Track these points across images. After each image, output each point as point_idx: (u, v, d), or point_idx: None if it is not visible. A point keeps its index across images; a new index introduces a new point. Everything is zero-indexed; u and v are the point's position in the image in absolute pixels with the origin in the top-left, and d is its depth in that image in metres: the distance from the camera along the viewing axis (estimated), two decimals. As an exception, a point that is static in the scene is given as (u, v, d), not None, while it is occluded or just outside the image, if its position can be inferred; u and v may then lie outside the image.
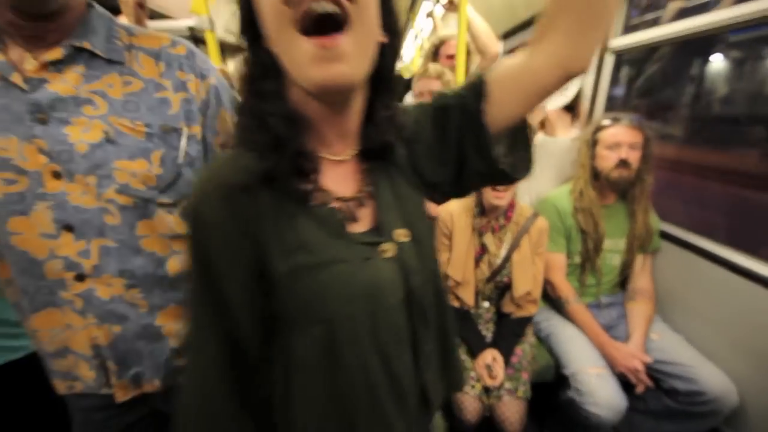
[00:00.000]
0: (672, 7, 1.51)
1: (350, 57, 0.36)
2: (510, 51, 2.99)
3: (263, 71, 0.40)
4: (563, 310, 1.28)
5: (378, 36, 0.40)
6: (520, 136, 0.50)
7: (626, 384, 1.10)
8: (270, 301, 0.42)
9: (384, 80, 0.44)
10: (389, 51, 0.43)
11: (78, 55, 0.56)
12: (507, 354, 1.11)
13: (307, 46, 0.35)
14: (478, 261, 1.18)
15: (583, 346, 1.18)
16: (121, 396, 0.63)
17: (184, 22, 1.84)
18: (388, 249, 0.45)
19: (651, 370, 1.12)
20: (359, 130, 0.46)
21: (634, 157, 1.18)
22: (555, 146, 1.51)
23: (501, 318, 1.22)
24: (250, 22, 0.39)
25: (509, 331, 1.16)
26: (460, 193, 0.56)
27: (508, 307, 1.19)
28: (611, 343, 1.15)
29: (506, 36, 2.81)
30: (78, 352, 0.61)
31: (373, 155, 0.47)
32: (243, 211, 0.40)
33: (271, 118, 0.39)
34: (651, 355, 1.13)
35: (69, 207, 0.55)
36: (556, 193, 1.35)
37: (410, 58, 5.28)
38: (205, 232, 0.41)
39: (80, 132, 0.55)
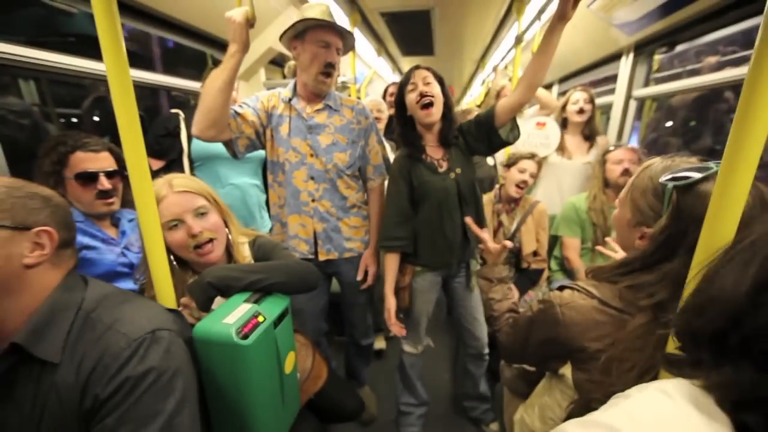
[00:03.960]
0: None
1: (435, 113, 1.16)
2: (564, 92, 3.52)
3: (405, 121, 1.24)
4: (575, 279, 1.76)
5: (442, 103, 1.21)
6: (512, 126, 1.23)
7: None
8: (414, 194, 1.22)
9: (448, 116, 1.24)
10: (448, 107, 1.23)
11: (326, 107, 1.35)
12: (522, 291, 1.65)
13: (421, 113, 1.18)
14: (496, 233, 1.77)
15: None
16: (322, 257, 1.38)
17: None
18: (452, 176, 1.20)
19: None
20: (440, 134, 1.24)
21: (633, 168, 1.67)
22: (570, 166, 2.04)
23: (519, 273, 1.77)
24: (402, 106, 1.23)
25: (525, 277, 1.71)
26: (489, 153, 1.39)
27: (522, 265, 1.74)
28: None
29: (561, 81, 3.36)
30: (302, 237, 1.37)
31: (445, 143, 1.25)
32: (406, 165, 1.21)
33: (410, 134, 1.20)
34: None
35: (314, 168, 1.32)
36: (575, 198, 1.86)
37: (477, 95, 5.99)
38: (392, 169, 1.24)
39: (323, 138, 1.32)
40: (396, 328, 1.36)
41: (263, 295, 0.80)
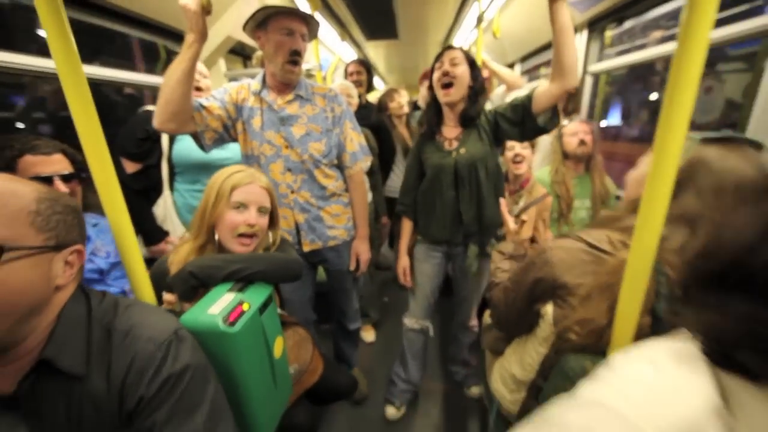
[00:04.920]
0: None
1: (453, 93, 1.28)
2: (527, 71, 3.62)
3: (433, 99, 1.36)
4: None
5: (467, 83, 1.30)
6: (552, 114, 1.23)
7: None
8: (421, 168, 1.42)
9: (472, 98, 1.32)
10: (474, 90, 1.33)
11: (297, 97, 1.33)
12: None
13: (440, 91, 1.33)
14: None
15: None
16: (306, 247, 1.39)
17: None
18: (453, 155, 1.29)
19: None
20: (461, 115, 1.31)
21: (588, 139, 1.77)
22: (545, 140, 2.13)
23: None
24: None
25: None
26: (522, 139, 1.36)
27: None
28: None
29: (523, 59, 3.45)
30: (284, 228, 1.37)
31: (465, 124, 1.33)
32: (421, 141, 1.45)
33: (430, 113, 1.33)
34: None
35: (290, 160, 1.32)
36: (539, 172, 1.96)
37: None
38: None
39: (296, 130, 1.31)
40: (402, 279, 1.57)
41: (246, 284, 0.81)
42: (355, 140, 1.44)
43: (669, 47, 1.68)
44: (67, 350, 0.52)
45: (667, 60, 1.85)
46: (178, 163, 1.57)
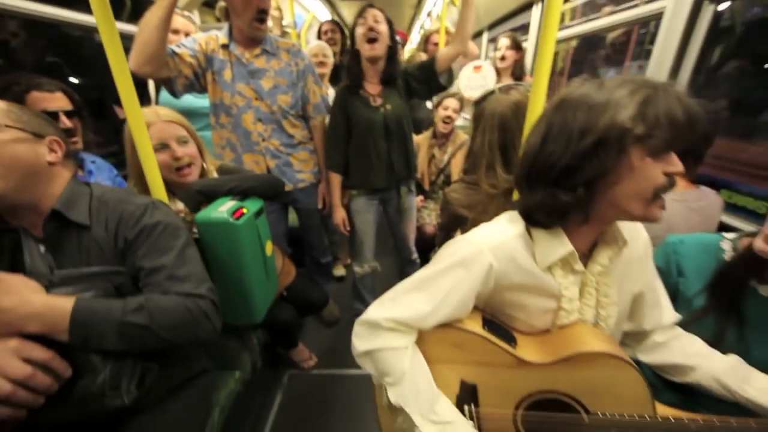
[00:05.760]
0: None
1: (378, 48, 1.37)
2: (493, 39, 3.82)
3: (353, 55, 1.43)
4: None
5: (387, 42, 1.40)
6: (449, 74, 1.49)
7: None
8: (349, 124, 1.47)
9: (393, 58, 1.44)
10: (393, 49, 1.43)
11: (264, 52, 1.46)
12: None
13: (365, 46, 1.36)
14: (430, 163, 2.13)
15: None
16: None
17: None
18: (382, 111, 1.46)
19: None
20: (382, 73, 1.46)
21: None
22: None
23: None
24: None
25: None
26: (428, 96, 1.64)
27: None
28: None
29: (490, 28, 3.64)
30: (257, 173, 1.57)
31: (385, 82, 1.47)
32: (344, 97, 1.47)
33: (354, 67, 1.43)
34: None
35: (260, 111, 1.48)
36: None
37: (416, 43, 6.11)
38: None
39: (265, 83, 1.46)
40: (342, 229, 1.71)
41: (242, 198, 1.05)
42: (317, 93, 1.58)
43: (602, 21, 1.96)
44: (74, 208, 0.75)
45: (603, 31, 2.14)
46: None
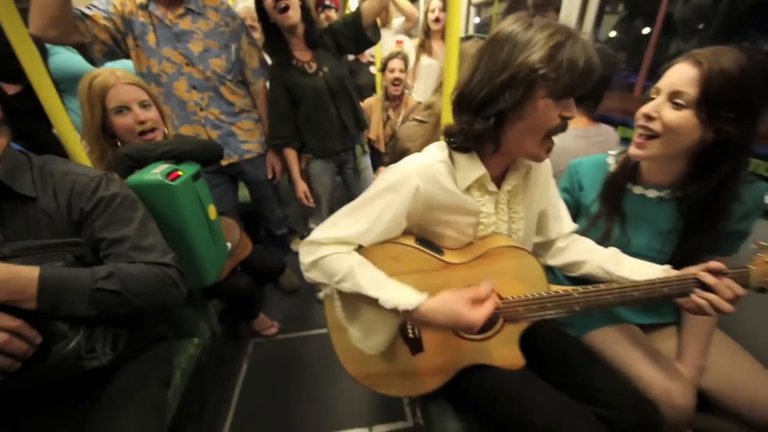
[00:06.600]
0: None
1: (293, 15, 1.36)
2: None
3: (270, 29, 1.41)
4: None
5: (298, 4, 1.38)
6: (374, 28, 1.51)
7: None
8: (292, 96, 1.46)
9: (308, 18, 1.43)
10: (306, 9, 1.41)
11: (188, 11, 1.37)
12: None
13: (280, 17, 1.36)
14: (385, 124, 2.17)
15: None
16: (223, 162, 1.55)
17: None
18: (321, 74, 1.46)
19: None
20: (305, 37, 1.45)
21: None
22: (436, 66, 2.47)
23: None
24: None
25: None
26: (358, 51, 1.77)
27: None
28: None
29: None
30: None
31: (313, 45, 1.46)
32: (279, 72, 1.48)
33: (275, 42, 1.41)
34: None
35: (193, 78, 1.42)
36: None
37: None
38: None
39: (193, 46, 1.38)
40: (306, 202, 1.74)
41: (176, 162, 1.03)
42: (255, 55, 1.51)
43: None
44: (17, 179, 0.71)
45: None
46: (59, 78, 1.52)
